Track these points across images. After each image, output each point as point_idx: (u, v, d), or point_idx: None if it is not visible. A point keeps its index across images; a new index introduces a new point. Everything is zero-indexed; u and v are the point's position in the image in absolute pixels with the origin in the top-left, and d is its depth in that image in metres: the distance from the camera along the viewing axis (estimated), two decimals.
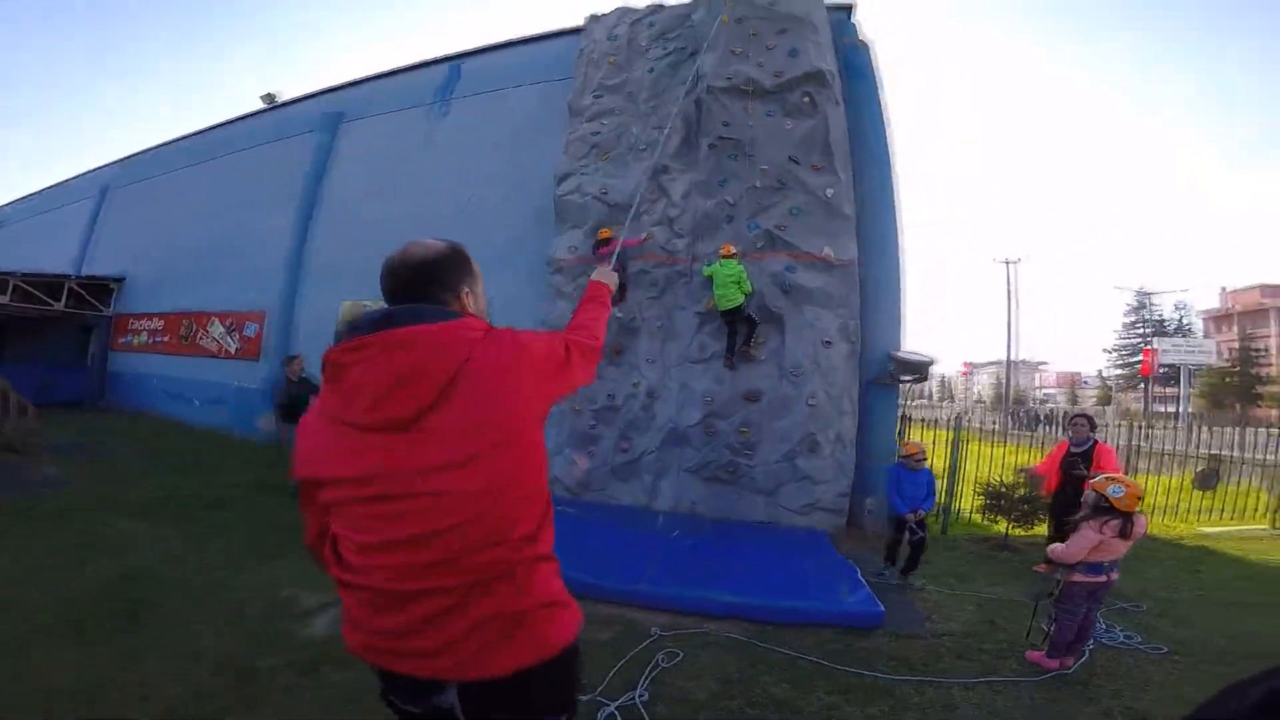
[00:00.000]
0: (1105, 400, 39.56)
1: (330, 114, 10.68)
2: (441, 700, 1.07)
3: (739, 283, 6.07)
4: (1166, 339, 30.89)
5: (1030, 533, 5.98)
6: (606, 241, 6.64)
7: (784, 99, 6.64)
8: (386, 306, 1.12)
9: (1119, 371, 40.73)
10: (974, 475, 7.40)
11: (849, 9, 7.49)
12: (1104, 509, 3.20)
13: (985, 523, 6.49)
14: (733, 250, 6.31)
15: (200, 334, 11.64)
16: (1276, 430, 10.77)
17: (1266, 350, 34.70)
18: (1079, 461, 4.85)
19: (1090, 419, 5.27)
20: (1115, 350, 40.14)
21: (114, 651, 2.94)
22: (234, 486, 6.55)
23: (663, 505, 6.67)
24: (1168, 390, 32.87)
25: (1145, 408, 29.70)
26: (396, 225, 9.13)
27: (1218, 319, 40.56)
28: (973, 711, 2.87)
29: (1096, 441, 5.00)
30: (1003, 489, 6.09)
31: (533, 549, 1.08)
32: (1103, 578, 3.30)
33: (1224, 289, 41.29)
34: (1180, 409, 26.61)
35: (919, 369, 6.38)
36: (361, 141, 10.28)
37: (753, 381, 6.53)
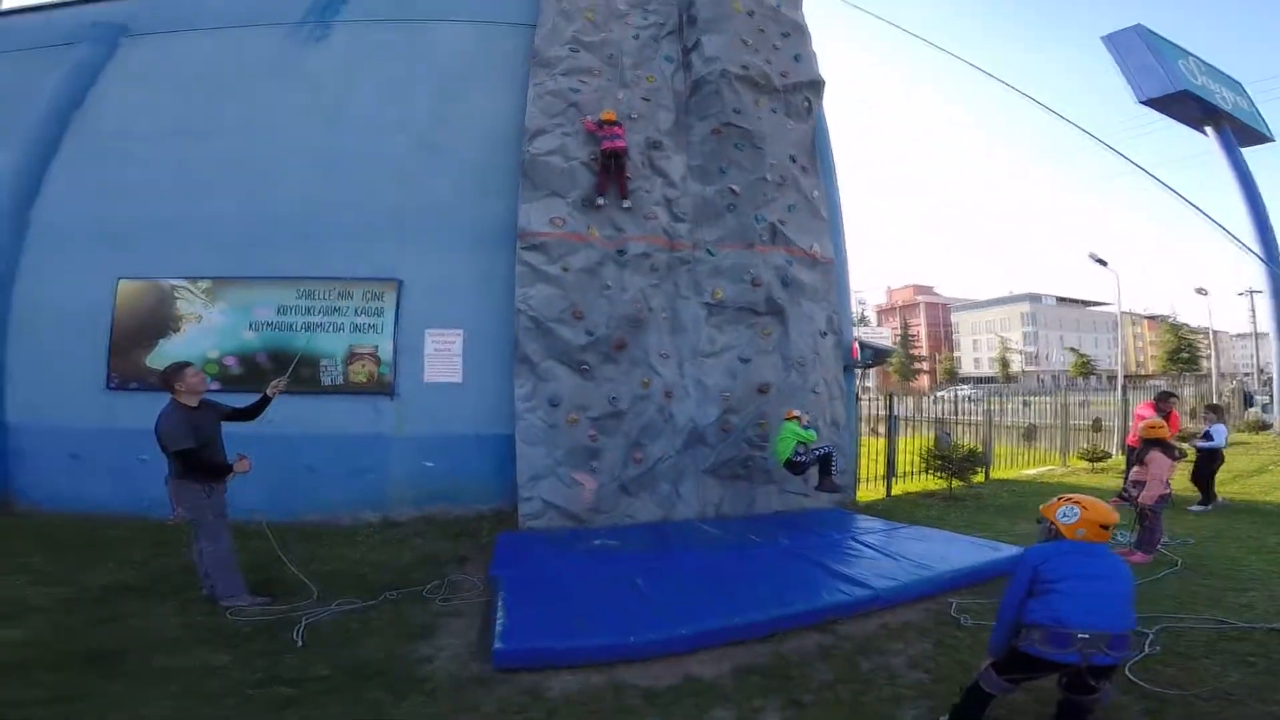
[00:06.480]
0: None
1: (106, 25, 6.96)
2: None
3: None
4: (858, 327, 41.20)
5: (968, 484, 7.33)
6: (612, 123, 6.12)
7: (787, 100, 6.73)
8: None
9: None
10: None
11: None
12: (1169, 447, 4.66)
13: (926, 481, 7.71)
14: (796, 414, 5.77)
15: None
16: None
17: (918, 336, 49.30)
18: None
19: None
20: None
21: None
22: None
23: (686, 513, 6.18)
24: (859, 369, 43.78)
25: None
26: (218, 173, 6.50)
27: (884, 311, 55.60)
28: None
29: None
30: (947, 453, 7.34)
31: None
32: (1170, 490, 4.65)
33: (888, 287, 56.19)
34: (872, 384, 36.32)
35: (886, 355, 7.21)
36: (160, 62, 6.95)
37: (763, 374, 6.50)
